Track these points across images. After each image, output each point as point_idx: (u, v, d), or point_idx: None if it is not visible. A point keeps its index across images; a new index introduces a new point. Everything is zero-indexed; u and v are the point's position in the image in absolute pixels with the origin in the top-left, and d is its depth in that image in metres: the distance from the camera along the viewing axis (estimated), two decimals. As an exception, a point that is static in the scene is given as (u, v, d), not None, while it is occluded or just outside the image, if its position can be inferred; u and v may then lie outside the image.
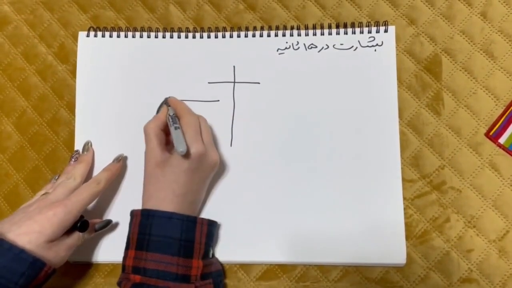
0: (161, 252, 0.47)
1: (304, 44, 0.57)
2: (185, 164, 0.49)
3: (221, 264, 0.53)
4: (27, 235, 0.45)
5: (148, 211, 0.49)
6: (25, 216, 0.47)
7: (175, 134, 0.49)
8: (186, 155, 0.48)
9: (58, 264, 0.48)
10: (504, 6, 0.57)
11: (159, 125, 0.52)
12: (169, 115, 0.52)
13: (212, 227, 0.51)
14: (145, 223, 0.48)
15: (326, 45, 0.57)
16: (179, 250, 0.47)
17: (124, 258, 0.49)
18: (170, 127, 0.50)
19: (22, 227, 0.46)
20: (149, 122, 0.52)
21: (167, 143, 0.53)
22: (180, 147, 0.47)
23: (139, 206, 0.55)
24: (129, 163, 0.56)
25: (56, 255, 0.47)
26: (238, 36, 0.58)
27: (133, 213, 0.50)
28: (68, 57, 0.60)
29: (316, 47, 0.57)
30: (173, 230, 0.48)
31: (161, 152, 0.50)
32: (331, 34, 0.57)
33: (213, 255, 0.52)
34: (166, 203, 0.49)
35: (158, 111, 0.55)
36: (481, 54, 0.56)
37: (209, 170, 0.52)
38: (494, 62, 0.56)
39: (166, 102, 0.54)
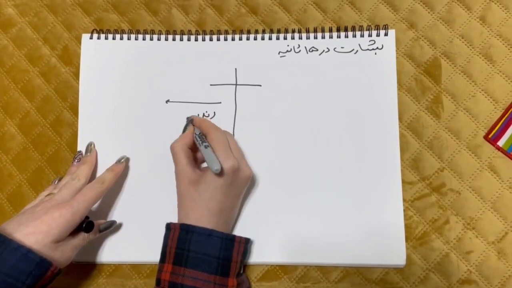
0: (199, 269, 0.47)
1: (305, 47, 0.58)
2: (220, 181, 0.48)
3: (249, 281, 0.53)
4: (34, 235, 0.45)
5: (187, 226, 0.48)
6: (32, 216, 0.47)
7: (206, 153, 0.48)
8: (220, 172, 0.47)
9: (64, 264, 0.48)
10: (503, 11, 0.57)
11: (187, 143, 0.51)
12: (196, 134, 0.51)
13: (248, 245, 0.52)
14: (184, 238, 0.48)
15: (327, 48, 0.58)
16: (216, 268, 0.47)
17: (159, 271, 0.48)
18: (199, 147, 0.50)
19: (29, 227, 0.46)
20: (176, 141, 0.52)
21: (195, 160, 0.53)
22: (214, 166, 0.46)
23: (142, 208, 0.55)
24: (132, 164, 0.57)
25: (62, 255, 0.47)
26: (240, 39, 0.59)
27: (170, 226, 0.50)
28: (71, 59, 0.60)
29: (317, 50, 0.58)
30: (212, 248, 0.47)
31: (192, 170, 0.50)
32: (332, 37, 0.58)
33: (243, 271, 0.53)
34: (203, 222, 0.48)
35: (184, 131, 0.54)
36: (480, 57, 0.56)
37: (242, 185, 0.51)
38: (493, 65, 0.56)
39: (191, 121, 0.54)
